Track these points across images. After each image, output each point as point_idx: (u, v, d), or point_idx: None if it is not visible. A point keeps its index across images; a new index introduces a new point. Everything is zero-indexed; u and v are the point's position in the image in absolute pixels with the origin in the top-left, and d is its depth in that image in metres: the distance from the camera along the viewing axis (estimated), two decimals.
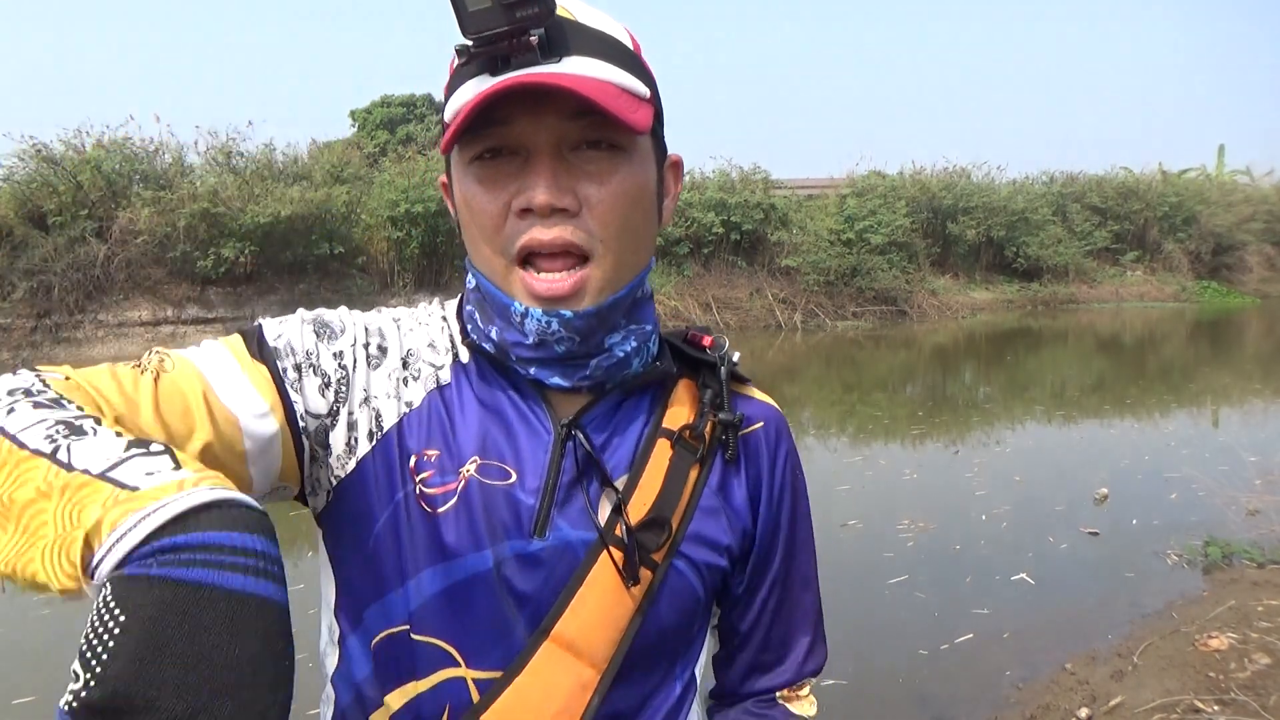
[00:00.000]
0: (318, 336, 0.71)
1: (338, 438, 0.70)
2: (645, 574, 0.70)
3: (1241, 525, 4.50)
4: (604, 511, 0.70)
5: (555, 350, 0.69)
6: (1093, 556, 4.30)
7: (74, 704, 0.37)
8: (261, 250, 12.35)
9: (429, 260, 13.95)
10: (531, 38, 0.60)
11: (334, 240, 12.97)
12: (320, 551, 0.75)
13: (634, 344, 0.73)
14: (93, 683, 0.37)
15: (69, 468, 0.46)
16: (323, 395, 0.70)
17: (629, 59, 0.67)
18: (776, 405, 0.83)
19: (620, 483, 0.72)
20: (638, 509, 0.71)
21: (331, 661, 0.74)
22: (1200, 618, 3.45)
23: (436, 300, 0.82)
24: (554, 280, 0.66)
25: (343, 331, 0.73)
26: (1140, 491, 5.30)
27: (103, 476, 0.45)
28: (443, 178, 0.75)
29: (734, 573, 0.79)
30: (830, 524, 4.57)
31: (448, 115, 0.66)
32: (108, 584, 0.39)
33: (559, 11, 0.62)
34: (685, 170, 0.80)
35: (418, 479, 0.69)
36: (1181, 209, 22.24)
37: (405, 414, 0.72)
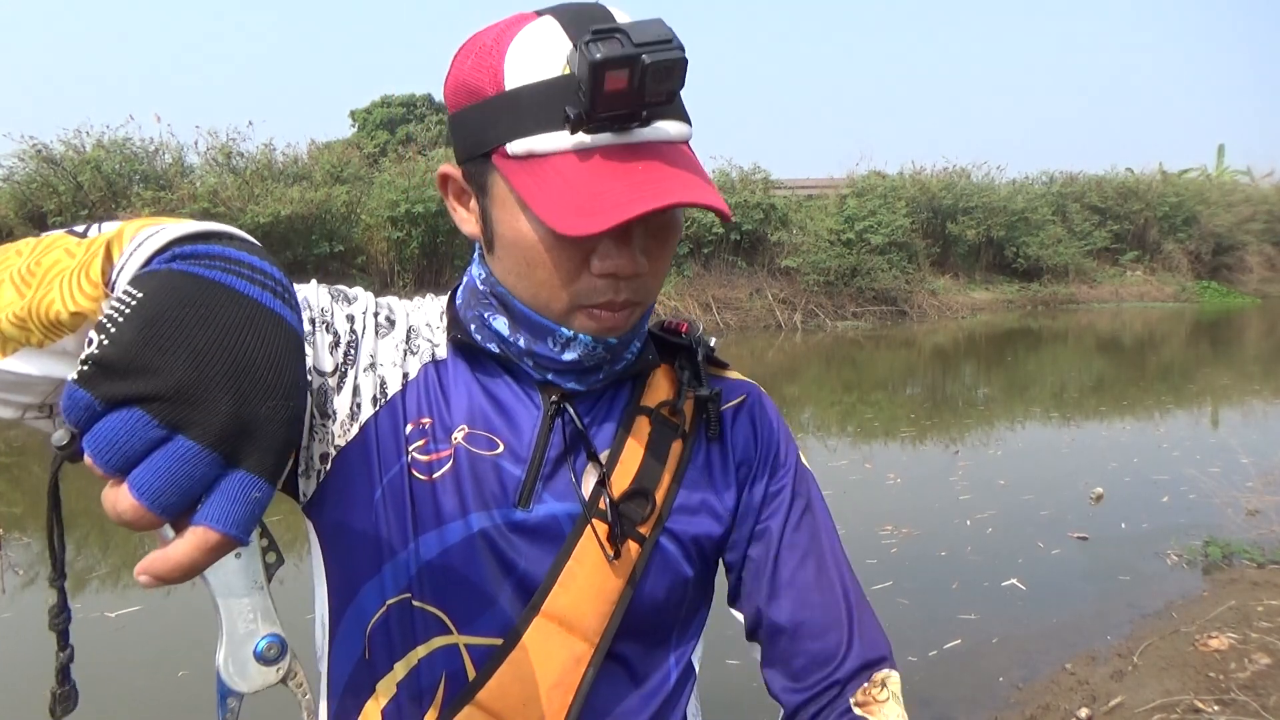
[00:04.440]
0: (332, 299, 0.74)
1: (342, 403, 0.71)
2: (634, 548, 0.71)
3: (1240, 525, 4.50)
4: (588, 485, 0.71)
5: (585, 364, 0.71)
6: (1085, 560, 4.27)
7: (85, 365, 0.37)
8: None
9: (429, 260, 13.94)
10: (644, 112, 0.60)
11: (334, 240, 12.97)
12: (311, 544, 0.74)
13: (638, 345, 0.76)
14: (106, 342, 0.37)
15: (97, 236, 0.48)
16: (331, 354, 0.71)
17: (680, 98, 0.65)
18: (756, 383, 0.84)
19: (603, 458, 0.73)
20: (620, 482, 0.72)
21: (324, 659, 0.74)
22: (1200, 618, 3.45)
23: (430, 295, 0.84)
24: (613, 318, 0.68)
25: (355, 299, 0.76)
26: (1132, 494, 5.27)
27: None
28: (447, 169, 0.72)
29: (729, 550, 0.77)
30: None
31: (519, 149, 0.62)
32: (129, 282, 0.40)
33: None
34: None
35: (411, 447, 0.71)
36: (1181, 209, 22.23)
37: (405, 383, 0.74)
